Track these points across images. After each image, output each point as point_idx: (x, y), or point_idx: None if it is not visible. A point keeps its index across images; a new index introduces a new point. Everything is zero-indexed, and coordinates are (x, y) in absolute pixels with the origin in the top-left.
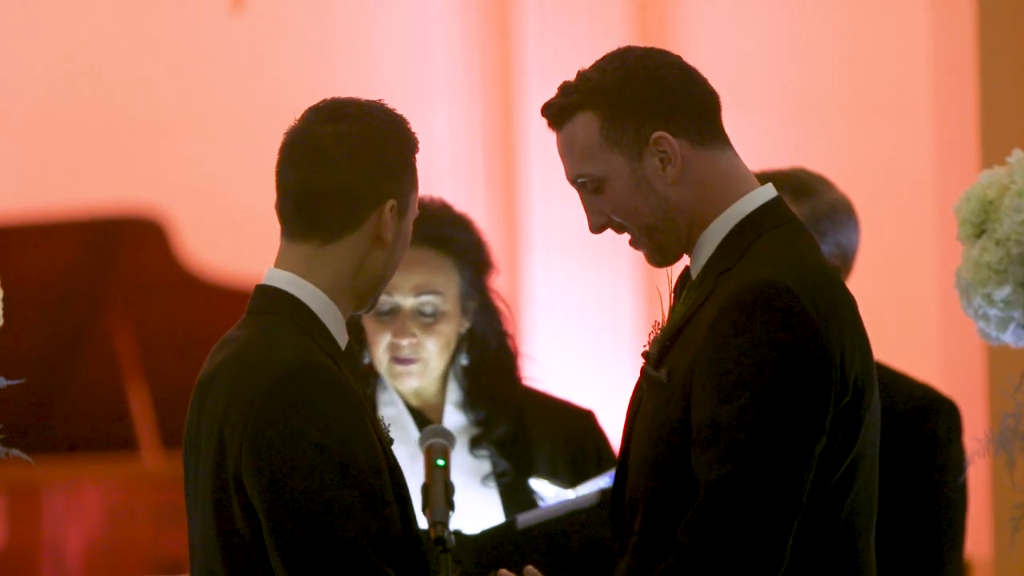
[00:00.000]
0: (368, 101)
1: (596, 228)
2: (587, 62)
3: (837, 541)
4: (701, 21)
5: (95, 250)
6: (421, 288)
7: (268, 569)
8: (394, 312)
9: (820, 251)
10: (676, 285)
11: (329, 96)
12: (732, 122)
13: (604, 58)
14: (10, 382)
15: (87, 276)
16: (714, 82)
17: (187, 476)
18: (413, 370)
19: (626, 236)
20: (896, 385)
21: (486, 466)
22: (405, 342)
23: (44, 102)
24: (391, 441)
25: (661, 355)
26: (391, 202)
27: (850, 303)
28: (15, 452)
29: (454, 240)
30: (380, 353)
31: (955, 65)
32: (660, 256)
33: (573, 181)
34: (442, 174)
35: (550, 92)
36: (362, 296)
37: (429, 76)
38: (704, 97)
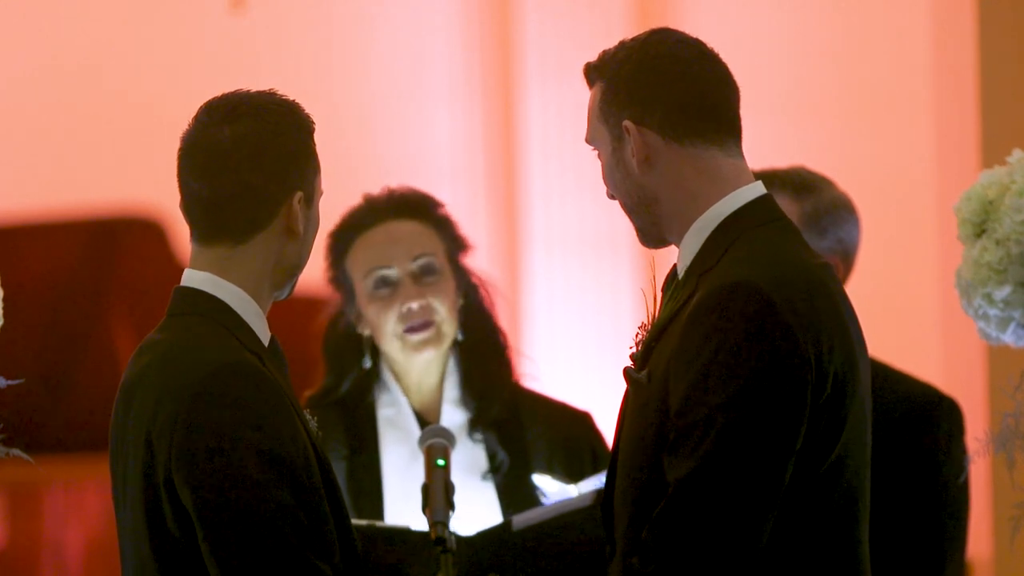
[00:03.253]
0: (259, 94)
1: (608, 195)
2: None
3: (827, 533)
4: (702, 22)
5: (95, 250)
6: (415, 251)
7: (203, 570)
8: (396, 283)
9: (804, 247)
10: (664, 285)
11: (329, 96)
12: None
13: (638, 36)
14: (10, 382)
15: (87, 276)
16: None
17: (114, 481)
18: (429, 336)
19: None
20: (897, 384)
21: (484, 459)
22: (415, 304)
23: (44, 102)
24: (319, 436)
25: (646, 356)
26: (298, 194)
27: (831, 297)
28: (15, 452)
29: (433, 213)
30: (390, 330)
31: (955, 65)
32: (642, 237)
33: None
34: (442, 174)
35: (550, 92)
36: (281, 285)
37: (429, 76)
38: (695, 94)
